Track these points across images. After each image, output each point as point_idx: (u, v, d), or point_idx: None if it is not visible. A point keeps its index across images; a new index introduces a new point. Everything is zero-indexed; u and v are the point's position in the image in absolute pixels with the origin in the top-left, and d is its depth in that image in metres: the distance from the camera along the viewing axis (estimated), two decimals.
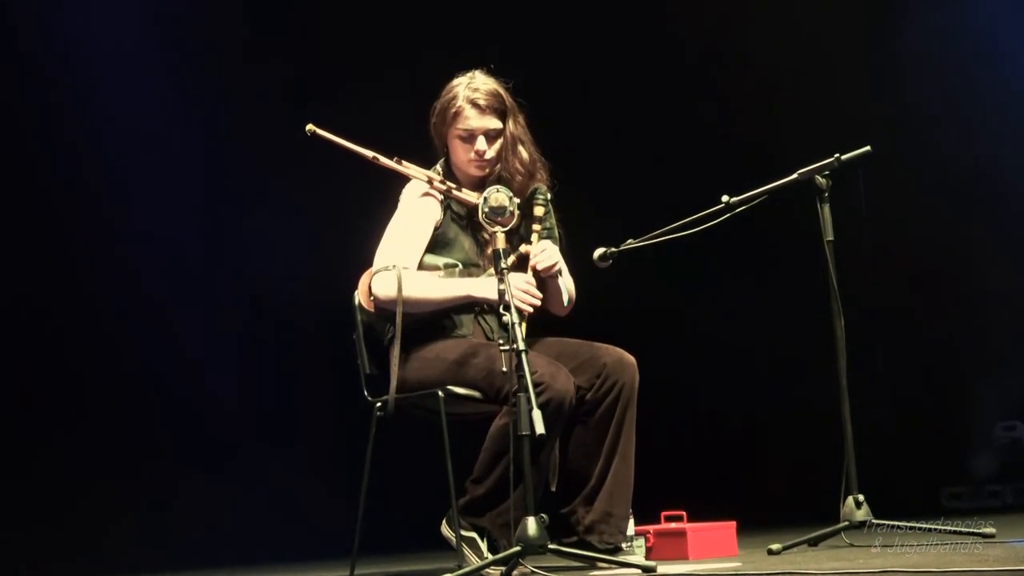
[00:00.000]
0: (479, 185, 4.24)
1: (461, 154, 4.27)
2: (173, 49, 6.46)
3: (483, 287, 4.14)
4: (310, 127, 4.23)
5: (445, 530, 4.16)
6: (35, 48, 6.23)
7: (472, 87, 4.25)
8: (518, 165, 4.25)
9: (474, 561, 3.98)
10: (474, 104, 4.23)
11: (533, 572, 3.77)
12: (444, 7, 6.79)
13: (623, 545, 4.13)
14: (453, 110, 4.24)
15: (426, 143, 4.37)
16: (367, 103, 6.40)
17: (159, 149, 6.38)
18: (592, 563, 4.02)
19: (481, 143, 4.24)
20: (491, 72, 4.31)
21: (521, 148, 4.27)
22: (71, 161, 6.27)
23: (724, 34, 7.07)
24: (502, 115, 4.26)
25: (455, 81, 4.29)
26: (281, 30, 6.70)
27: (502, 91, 4.28)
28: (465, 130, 4.24)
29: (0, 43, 6.18)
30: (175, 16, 6.49)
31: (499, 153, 4.25)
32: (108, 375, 6.28)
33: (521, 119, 4.31)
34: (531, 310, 4.04)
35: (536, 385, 3.83)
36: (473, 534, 4.07)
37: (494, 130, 4.25)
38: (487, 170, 4.26)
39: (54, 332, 6.18)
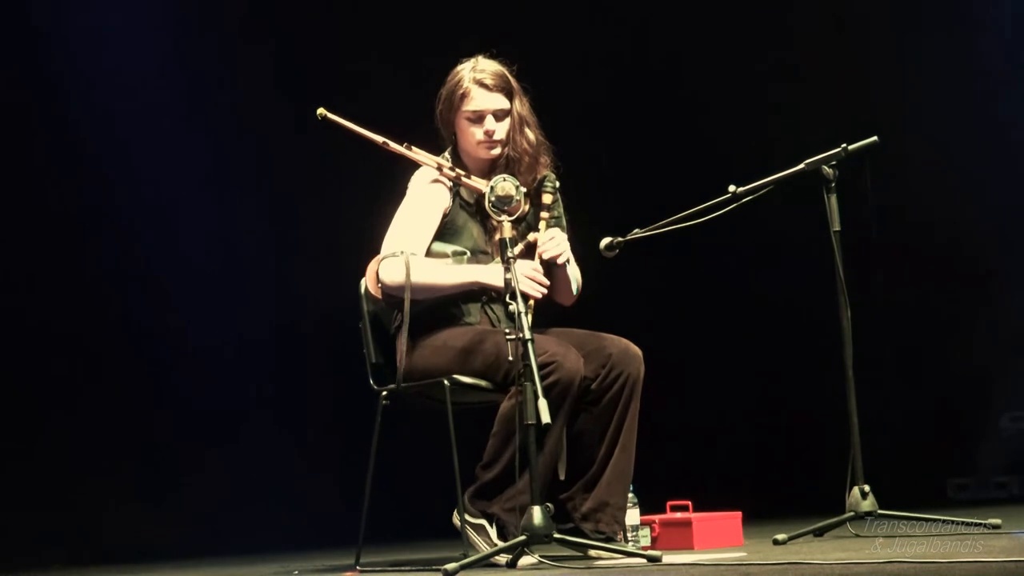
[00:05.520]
0: (488, 172, 4.25)
1: (470, 137, 4.27)
2: (180, 38, 6.45)
3: (491, 273, 4.14)
4: (321, 111, 4.26)
5: (456, 520, 4.15)
6: (39, 42, 6.23)
7: (478, 69, 4.28)
8: (526, 145, 4.27)
9: (483, 548, 3.98)
10: (481, 84, 4.25)
11: (540, 561, 3.78)
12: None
13: (618, 535, 4.11)
14: (460, 92, 4.25)
15: (434, 132, 4.37)
16: (376, 90, 6.40)
17: (165, 136, 6.37)
18: (586, 552, 3.99)
19: (490, 122, 4.25)
20: (494, 56, 4.33)
21: (528, 130, 4.29)
22: (76, 150, 6.27)
23: (733, 22, 7.05)
24: (509, 94, 4.28)
25: (459, 67, 4.32)
26: (288, 18, 6.69)
27: (507, 72, 4.30)
28: (473, 111, 4.25)
29: (7, 31, 6.18)
30: (183, 3, 6.50)
31: (508, 134, 4.26)
32: (113, 364, 6.27)
33: (526, 101, 4.32)
34: (539, 296, 4.05)
35: (547, 364, 3.87)
36: (482, 521, 4.06)
37: (502, 110, 4.26)
38: (496, 151, 4.27)
39: (62, 320, 6.17)
